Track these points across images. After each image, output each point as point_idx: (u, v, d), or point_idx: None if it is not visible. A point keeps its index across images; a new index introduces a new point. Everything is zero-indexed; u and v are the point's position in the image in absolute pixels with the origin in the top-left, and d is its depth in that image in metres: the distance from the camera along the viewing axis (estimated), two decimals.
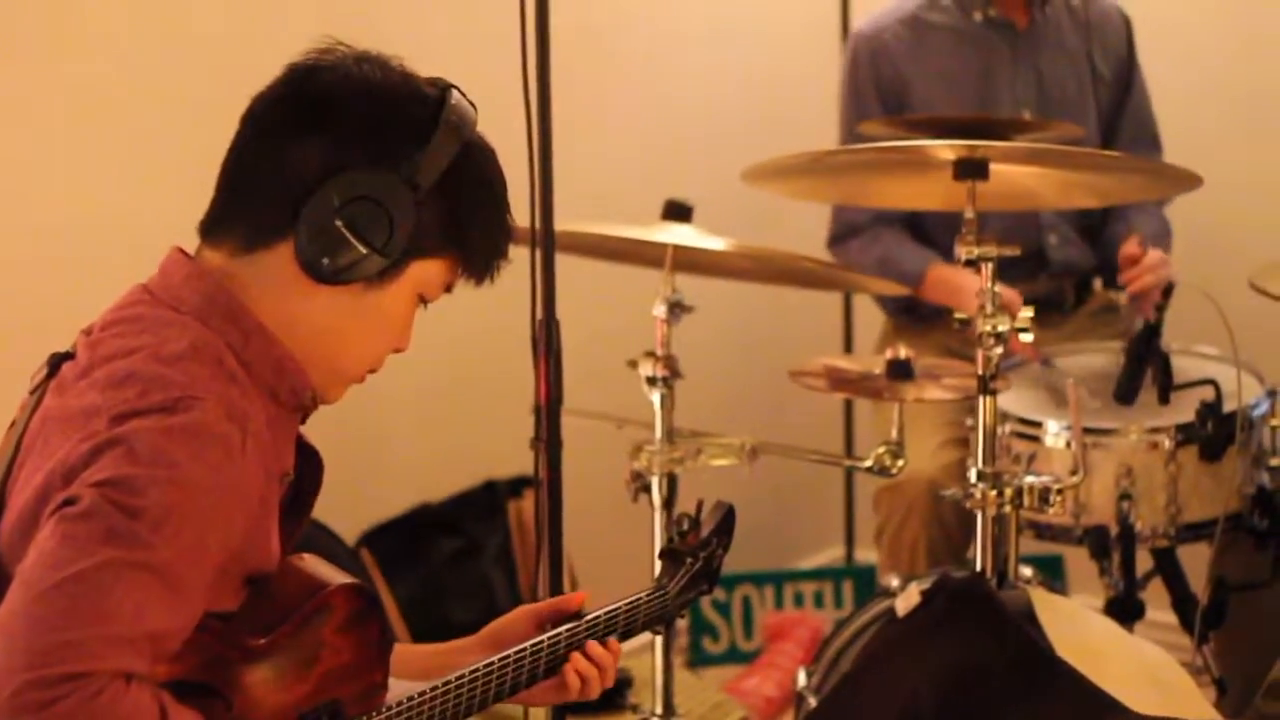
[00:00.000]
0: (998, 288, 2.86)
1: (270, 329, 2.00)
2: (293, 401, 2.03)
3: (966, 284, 3.57)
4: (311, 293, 2.00)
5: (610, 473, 3.19)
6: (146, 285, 2.04)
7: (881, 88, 3.88)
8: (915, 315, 3.90)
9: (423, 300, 2.08)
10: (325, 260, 1.98)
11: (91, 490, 1.80)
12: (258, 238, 2.01)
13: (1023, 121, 3.66)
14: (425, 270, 2.05)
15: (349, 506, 3.59)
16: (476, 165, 2.06)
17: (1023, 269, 3.23)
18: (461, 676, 2.12)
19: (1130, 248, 3.53)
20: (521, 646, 2.19)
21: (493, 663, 2.16)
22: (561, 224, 2.68)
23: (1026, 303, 3.02)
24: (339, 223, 1.97)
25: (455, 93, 2.05)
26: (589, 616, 2.26)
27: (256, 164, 2.02)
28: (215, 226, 2.04)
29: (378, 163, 1.98)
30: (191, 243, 2.06)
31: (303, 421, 2.10)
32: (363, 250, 1.98)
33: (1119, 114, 3.96)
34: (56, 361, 2.01)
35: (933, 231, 3.83)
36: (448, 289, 2.10)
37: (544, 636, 2.21)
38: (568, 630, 2.23)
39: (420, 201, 2.00)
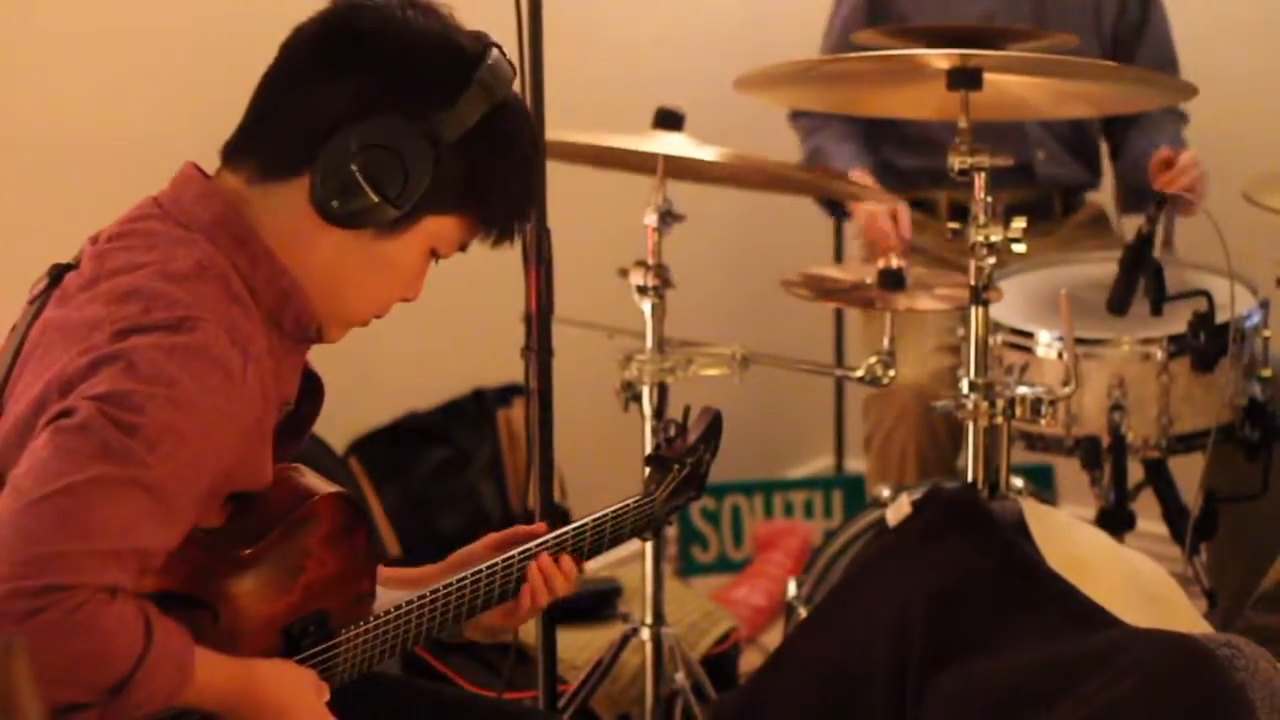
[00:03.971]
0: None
1: (279, 258, 1.98)
2: (296, 331, 2.02)
3: (861, 210, 3.60)
4: (321, 232, 1.98)
5: (601, 382, 3.18)
6: (157, 198, 2.02)
7: (872, 10, 3.84)
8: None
9: (435, 255, 2.06)
10: (336, 203, 1.96)
11: (89, 403, 1.79)
12: (276, 169, 1.99)
13: (1017, 30, 3.62)
14: (440, 225, 2.03)
15: (337, 415, 3.54)
16: (505, 126, 2.02)
17: (1009, 178, 3.21)
18: (450, 584, 2.13)
19: (1164, 153, 3.52)
20: (509, 554, 2.19)
21: (496, 563, 2.17)
22: (552, 132, 2.66)
23: (1014, 210, 3.00)
24: (354, 168, 1.95)
25: (495, 51, 2.02)
26: (574, 525, 2.26)
27: (286, 96, 2.01)
28: (237, 150, 2.03)
29: (402, 113, 1.96)
30: (210, 163, 2.04)
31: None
32: (374, 198, 1.96)
33: (1138, 36, 3.90)
34: (58, 272, 2.00)
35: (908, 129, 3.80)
36: (463, 247, 2.08)
37: (534, 542, 2.22)
38: (554, 538, 2.24)
39: (440, 157, 1.97)
